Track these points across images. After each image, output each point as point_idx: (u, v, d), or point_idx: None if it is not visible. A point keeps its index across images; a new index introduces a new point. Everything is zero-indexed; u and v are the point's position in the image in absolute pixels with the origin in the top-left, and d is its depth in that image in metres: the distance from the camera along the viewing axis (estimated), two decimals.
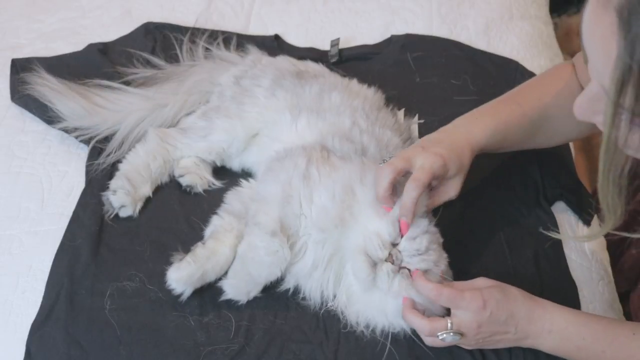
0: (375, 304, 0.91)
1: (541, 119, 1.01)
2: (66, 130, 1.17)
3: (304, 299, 0.96)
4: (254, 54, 1.27)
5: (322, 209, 0.92)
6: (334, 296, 0.94)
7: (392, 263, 0.88)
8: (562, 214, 1.12)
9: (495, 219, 1.08)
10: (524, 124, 1.01)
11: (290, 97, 1.10)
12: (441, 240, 0.93)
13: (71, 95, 1.17)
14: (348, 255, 0.92)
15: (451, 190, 0.96)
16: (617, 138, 0.62)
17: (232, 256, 0.96)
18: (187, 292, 0.95)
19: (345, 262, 0.93)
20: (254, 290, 0.95)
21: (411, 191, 0.88)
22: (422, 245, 0.89)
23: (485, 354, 0.91)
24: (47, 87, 1.18)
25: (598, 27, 0.60)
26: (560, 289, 1.01)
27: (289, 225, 0.94)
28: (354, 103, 1.10)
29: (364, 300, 0.92)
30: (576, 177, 1.17)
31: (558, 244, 1.06)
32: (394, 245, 0.90)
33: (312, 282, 0.94)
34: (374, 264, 0.89)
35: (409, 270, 0.89)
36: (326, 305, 0.95)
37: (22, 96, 1.23)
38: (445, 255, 0.92)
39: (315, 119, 1.07)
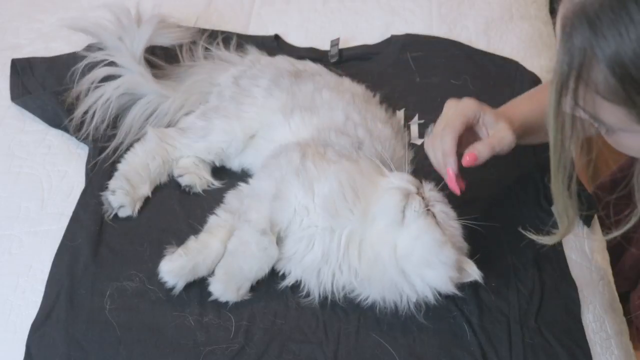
0: (391, 274, 0.91)
1: None
2: (66, 130, 1.17)
3: (304, 296, 0.96)
4: (253, 54, 1.27)
5: (330, 194, 0.93)
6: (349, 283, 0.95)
7: (423, 198, 0.91)
8: None
9: (495, 220, 1.08)
10: None
11: (286, 96, 1.11)
12: None
13: None
14: (377, 209, 0.92)
15: (501, 132, 0.93)
16: (563, 140, 0.66)
17: (222, 250, 0.96)
18: (180, 285, 0.95)
19: (365, 233, 0.93)
20: (244, 287, 0.95)
21: (445, 137, 0.91)
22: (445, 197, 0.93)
23: (486, 352, 0.91)
24: None
25: (557, 30, 0.63)
26: (560, 289, 1.01)
27: (282, 222, 0.94)
28: (344, 98, 1.11)
29: (384, 266, 0.92)
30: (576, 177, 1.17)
31: (558, 244, 1.06)
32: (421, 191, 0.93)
33: (322, 275, 0.94)
34: (407, 195, 0.91)
35: (434, 214, 0.91)
36: (342, 292, 0.95)
37: (22, 96, 1.23)
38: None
39: (309, 115, 1.08)
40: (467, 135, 0.96)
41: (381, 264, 0.92)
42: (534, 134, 1.02)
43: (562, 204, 0.72)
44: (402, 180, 0.94)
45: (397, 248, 0.91)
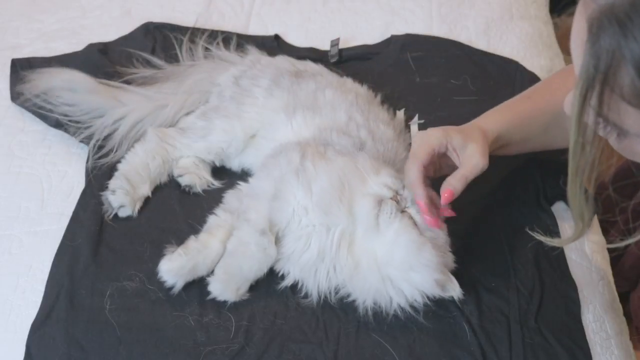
0: (375, 276, 0.92)
1: (555, 112, 1.00)
2: (66, 131, 1.17)
3: (304, 297, 0.96)
4: (254, 54, 1.27)
5: (322, 192, 0.94)
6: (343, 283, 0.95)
7: (397, 202, 0.91)
8: (562, 214, 1.12)
9: (495, 219, 1.08)
10: (538, 117, 1.02)
11: (287, 96, 1.11)
12: None
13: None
14: (357, 210, 0.93)
15: (472, 158, 0.94)
16: (584, 144, 0.64)
17: (222, 250, 0.96)
18: (179, 285, 0.95)
19: (355, 234, 0.94)
20: (243, 287, 0.95)
21: (410, 169, 0.93)
22: None
23: (486, 352, 0.91)
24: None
25: (577, 31, 0.61)
26: (560, 289, 1.01)
27: (281, 222, 0.95)
28: (347, 99, 1.11)
29: (370, 267, 0.92)
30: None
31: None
32: (399, 194, 0.94)
33: (319, 275, 0.95)
34: (380, 201, 0.91)
35: (411, 216, 0.92)
36: (335, 294, 0.95)
37: (21, 96, 1.23)
38: None
39: (311, 115, 1.08)
40: (443, 162, 0.98)
41: (361, 272, 0.92)
42: (511, 145, 1.02)
43: (578, 208, 0.71)
44: (380, 185, 0.94)
45: (377, 255, 0.91)
